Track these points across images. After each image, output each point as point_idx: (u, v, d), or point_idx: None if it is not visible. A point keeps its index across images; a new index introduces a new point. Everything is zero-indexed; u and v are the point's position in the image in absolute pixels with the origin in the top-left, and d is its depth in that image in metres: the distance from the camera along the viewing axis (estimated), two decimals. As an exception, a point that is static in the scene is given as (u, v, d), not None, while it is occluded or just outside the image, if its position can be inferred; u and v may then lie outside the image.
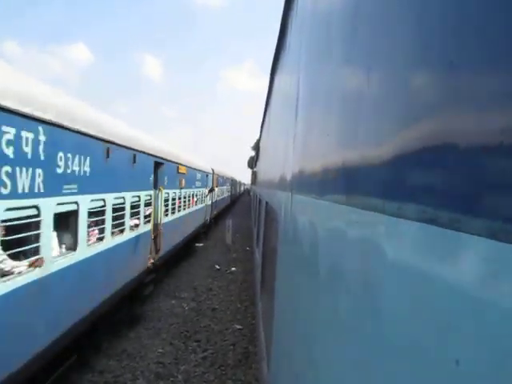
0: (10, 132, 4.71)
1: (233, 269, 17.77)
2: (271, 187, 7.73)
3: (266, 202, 8.88)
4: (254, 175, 27.14)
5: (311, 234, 2.41)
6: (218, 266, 18.07)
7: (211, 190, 25.55)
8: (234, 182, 55.42)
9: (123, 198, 8.99)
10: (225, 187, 38.32)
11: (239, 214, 43.55)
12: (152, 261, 11.81)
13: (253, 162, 37.53)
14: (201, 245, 23.24)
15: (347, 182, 1.65)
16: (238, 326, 10.82)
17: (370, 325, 1.14)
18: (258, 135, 24.08)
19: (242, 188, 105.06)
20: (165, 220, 13.07)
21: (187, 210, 17.75)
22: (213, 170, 27.20)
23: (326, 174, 2.12)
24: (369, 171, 1.35)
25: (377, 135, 1.27)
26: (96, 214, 7.68)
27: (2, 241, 4.84)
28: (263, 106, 16.07)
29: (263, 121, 17.21)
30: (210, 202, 25.85)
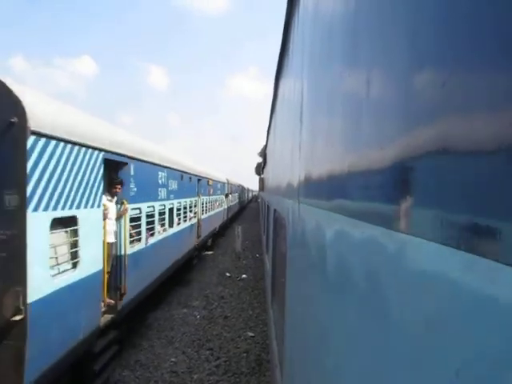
0: (161, 174, 11.43)
1: (243, 276, 17.76)
2: (278, 194, 7.74)
3: (275, 210, 8.87)
4: (262, 182, 27.14)
5: (318, 242, 2.41)
6: (228, 274, 18.08)
7: (227, 196, 33.27)
8: (242, 189, 56.97)
9: (185, 201, 15.54)
10: (236, 194, 45.89)
11: (248, 220, 43.57)
12: (196, 242, 18.53)
13: (260, 169, 37.62)
14: (210, 253, 23.27)
15: (352, 193, 1.67)
16: (251, 334, 10.80)
17: (382, 332, 1.14)
18: (265, 141, 24.13)
19: (250, 195, 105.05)
20: (202, 217, 20.23)
21: (214, 211, 25.23)
22: (227, 180, 34.25)
23: (331, 183, 2.13)
24: (373, 182, 1.35)
25: (382, 142, 1.27)
26: (177, 210, 14.01)
27: (159, 219, 11.28)
28: (269, 112, 16.10)
29: (269, 127, 17.22)
30: (226, 206, 33.46)
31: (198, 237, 18.81)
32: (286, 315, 4.33)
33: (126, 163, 8.46)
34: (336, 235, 1.97)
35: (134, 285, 8.96)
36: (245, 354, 9.57)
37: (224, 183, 31.49)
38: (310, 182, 2.95)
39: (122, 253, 8.43)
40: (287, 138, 5.90)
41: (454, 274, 0.76)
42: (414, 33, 1.02)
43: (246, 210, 69.20)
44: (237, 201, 46.54)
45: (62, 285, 5.83)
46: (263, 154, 30.46)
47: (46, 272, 5.42)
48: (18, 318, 4.85)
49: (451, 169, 0.78)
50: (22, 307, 4.86)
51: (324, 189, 2.32)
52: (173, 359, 9.19)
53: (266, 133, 20.49)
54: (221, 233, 30.04)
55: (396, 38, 1.18)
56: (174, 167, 13.04)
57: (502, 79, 0.63)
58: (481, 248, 0.66)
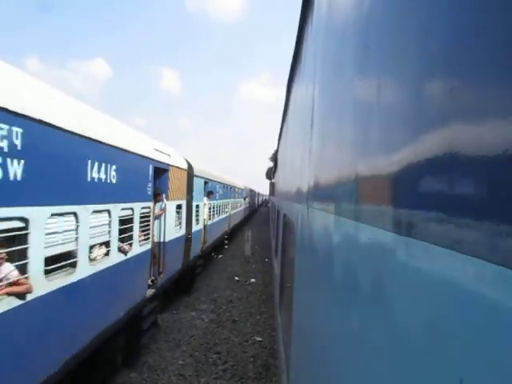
0: (218, 186, 21.75)
1: (252, 280, 17.73)
2: (288, 199, 7.74)
3: (284, 214, 8.88)
4: (272, 186, 27.18)
5: (326, 247, 2.42)
6: (237, 278, 18.07)
7: (245, 198, 42.49)
8: (252, 193, 58.93)
9: (227, 202, 25.74)
10: (249, 198, 52.33)
11: (258, 225, 43.56)
12: (228, 228, 27.45)
13: (271, 174, 37.91)
14: (220, 256, 23.29)
15: (361, 199, 1.67)
16: (258, 338, 10.78)
17: (391, 339, 1.14)
18: (276, 146, 24.18)
19: (261, 199, 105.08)
20: (231, 212, 28.55)
21: (237, 209, 34.39)
22: (245, 186, 43.07)
23: (340, 189, 2.14)
24: (381, 188, 1.36)
25: (390, 148, 1.27)
26: (221, 206, 22.44)
27: (211, 211, 19.25)
28: (280, 117, 16.13)
29: (280, 132, 17.24)
30: (244, 207, 42.67)
31: (229, 225, 27.79)
32: (293, 320, 4.33)
33: (207, 182, 17.79)
34: (344, 239, 1.98)
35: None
36: (252, 359, 9.55)
37: (243, 189, 39.78)
38: (319, 186, 2.96)
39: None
40: (298, 143, 5.91)
41: (461, 279, 0.77)
42: (427, 40, 1.02)
43: (256, 215, 69.17)
44: (248, 205, 52.51)
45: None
46: (274, 158, 30.49)
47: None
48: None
49: (460, 174, 0.79)
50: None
51: (332, 194, 2.33)
52: (180, 362, 9.19)
53: (277, 138, 20.54)
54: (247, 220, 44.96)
55: (408, 44, 1.19)
56: (222, 182, 23.28)
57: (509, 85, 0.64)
58: (490, 253, 0.66)
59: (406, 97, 1.19)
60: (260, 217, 63.60)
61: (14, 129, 4.21)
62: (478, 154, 0.73)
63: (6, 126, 4.09)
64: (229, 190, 26.77)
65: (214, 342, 10.47)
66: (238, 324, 11.95)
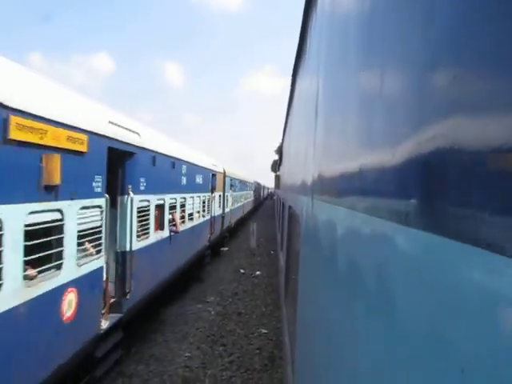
0: (243, 184, 35.29)
1: (257, 273, 17.80)
2: (293, 191, 7.74)
3: (289, 206, 8.88)
4: (278, 179, 27.15)
5: (330, 239, 2.42)
6: (242, 270, 18.13)
7: (255, 190, 50.64)
8: (258, 186, 61.35)
9: (242, 194, 34.33)
10: (256, 190, 58.79)
11: (263, 218, 43.63)
12: (244, 213, 36.36)
13: (276, 166, 38.29)
14: (226, 249, 23.37)
15: (364, 190, 1.67)
16: (264, 330, 10.83)
17: (394, 329, 1.14)
18: (281, 139, 24.15)
19: (266, 192, 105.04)
20: (244, 202, 36.04)
21: (248, 200, 42.97)
22: (253, 180, 51.11)
23: (344, 181, 2.14)
24: (385, 179, 1.36)
25: (394, 140, 1.27)
26: (238, 196, 31.21)
27: (234, 199, 28.02)
28: (285, 110, 16.09)
29: (285, 124, 17.22)
30: (253, 198, 50.19)
31: (243, 212, 35.88)
32: (298, 312, 4.35)
33: (232, 179, 26.20)
34: (348, 231, 1.98)
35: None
36: (258, 351, 9.61)
37: (252, 183, 48.14)
38: (323, 178, 2.96)
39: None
40: (302, 136, 5.91)
41: (466, 270, 0.77)
42: (430, 31, 1.02)
43: (262, 208, 69.25)
44: (257, 195, 62.04)
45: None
46: (279, 151, 30.47)
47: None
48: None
49: (464, 165, 0.79)
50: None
51: (337, 185, 2.33)
52: (187, 354, 9.27)
53: (282, 130, 20.51)
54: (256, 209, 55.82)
55: (411, 36, 1.18)
56: (239, 178, 31.19)
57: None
58: (494, 244, 0.66)
59: (409, 89, 1.19)
60: (265, 210, 63.67)
61: None
62: (478, 145, 0.73)
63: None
64: (243, 185, 35.70)
65: (221, 334, 10.54)
66: (243, 316, 12.02)
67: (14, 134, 4.49)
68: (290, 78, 10.93)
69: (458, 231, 0.79)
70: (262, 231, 27.19)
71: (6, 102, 4.40)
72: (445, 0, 0.96)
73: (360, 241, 1.70)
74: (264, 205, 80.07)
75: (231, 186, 25.52)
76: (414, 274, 1.03)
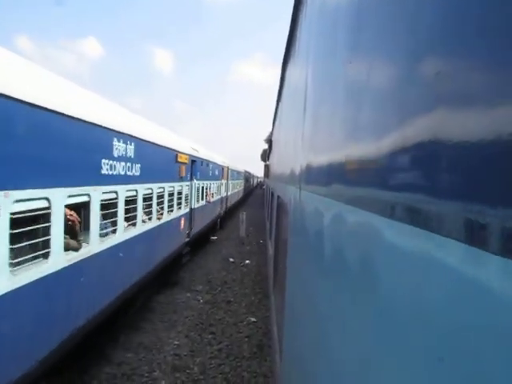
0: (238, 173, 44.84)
1: (247, 262, 17.88)
2: (282, 181, 7.76)
3: (278, 196, 8.91)
4: (267, 168, 27.16)
5: (317, 229, 2.45)
6: (232, 259, 18.20)
7: (245, 180, 55.19)
8: (248, 175, 63.03)
9: (237, 182, 42.41)
10: (246, 179, 63.89)
11: (253, 206, 43.75)
12: (239, 197, 46.63)
13: (265, 156, 37.99)
14: (215, 238, 23.40)
15: (349, 181, 1.70)
16: (253, 319, 10.92)
17: (377, 318, 1.17)
18: (271, 128, 24.10)
19: (256, 181, 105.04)
20: (235, 191, 39.90)
21: (240, 188, 47.13)
22: (244, 170, 57.02)
23: (330, 172, 2.16)
24: (370, 171, 1.38)
25: (379, 132, 1.28)
26: (235, 184, 39.47)
27: (231, 186, 35.01)
28: (275, 99, 16.03)
29: (275, 114, 17.15)
30: (243, 187, 54.29)
31: (238, 196, 42.81)
32: (286, 301, 4.39)
33: (230, 170, 33.26)
34: (334, 222, 2.01)
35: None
36: (246, 339, 9.70)
37: (243, 172, 54.22)
38: (311, 169, 2.98)
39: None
40: (291, 126, 5.91)
41: (445, 261, 0.79)
42: (418, 23, 1.02)
43: (252, 197, 69.24)
44: (247, 184, 67.33)
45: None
46: (269, 140, 30.46)
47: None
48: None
49: (448, 159, 0.81)
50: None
51: (323, 176, 2.35)
52: (176, 342, 9.32)
53: (272, 120, 20.45)
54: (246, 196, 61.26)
55: (399, 28, 1.19)
56: (235, 169, 38.56)
57: (497, 73, 0.66)
58: (472, 237, 0.69)
59: (395, 82, 1.20)
60: (255, 198, 63.73)
61: None
62: (459, 139, 0.75)
63: None
64: (238, 174, 43.06)
65: (209, 322, 10.61)
66: (232, 305, 12.09)
67: (180, 159, 13.16)
68: (280, 68, 10.88)
69: (439, 225, 0.81)
70: (251, 220, 27.27)
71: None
72: None
73: (344, 231, 1.73)
74: (254, 193, 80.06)
75: (231, 176, 33.67)
76: (396, 265, 1.05)
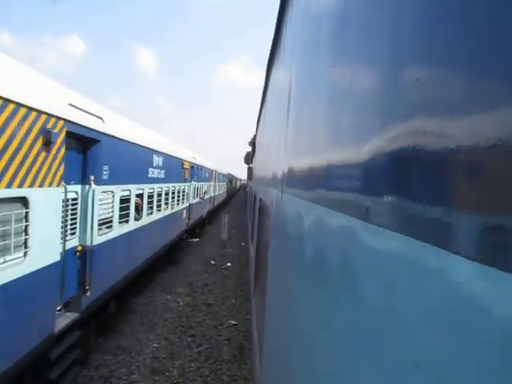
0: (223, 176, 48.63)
1: (228, 264, 17.82)
2: (264, 184, 7.77)
3: (260, 199, 8.91)
4: (250, 171, 27.21)
5: (297, 232, 2.45)
6: (213, 262, 18.13)
7: (228, 182, 57.03)
8: (231, 177, 64.16)
9: (222, 184, 45.63)
10: (229, 181, 66.52)
11: (235, 209, 43.73)
12: (225, 196, 51.33)
13: (249, 158, 38.52)
14: (196, 240, 23.29)
15: (329, 185, 1.70)
16: (233, 322, 10.88)
17: (356, 323, 1.17)
18: (255, 131, 24.15)
19: (239, 184, 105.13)
20: (220, 192, 42.55)
21: (224, 189, 48.36)
22: (228, 172, 59.21)
23: (310, 176, 2.17)
24: (350, 176, 1.39)
25: (360, 138, 1.29)
26: (220, 185, 42.51)
27: (214, 188, 35.82)
28: (259, 102, 16.06)
29: (259, 117, 17.20)
30: (227, 187, 55.68)
31: (224, 195, 45.79)
32: (267, 305, 4.38)
33: (217, 174, 36.92)
34: (314, 225, 2.01)
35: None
36: (227, 342, 9.65)
37: (227, 174, 56.28)
38: (293, 173, 2.99)
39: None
40: (274, 129, 5.92)
41: (419, 264, 0.80)
42: (401, 28, 1.03)
43: (234, 198, 69.19)
44: (230, 186, 68.95)
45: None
46: (252, 143, 30.49)
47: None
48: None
49: (426, 164, 0.81)
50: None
51: (304, 180, 2.36)
52: (155, 345, 9.23)
53: (256, 122, 20.49)
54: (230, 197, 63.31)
55: (381, 37, 1.20)
56: (221, 172, 41.05)
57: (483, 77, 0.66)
58: (447, 242, 0.69)
59: (378, 86, 1.21)
60: (238, 200, 63.71)
61: None
62: (439, 143, 0.76)
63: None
64: (223, 176, 46.17)
65: (189, 325, 10.53)
66: (213, 307, 12.03)
67: (185, 166, 17.84)
68: (265, 71, 10.91)
69: (413, 228, 0.81)
70: (234, 222, 27.27)
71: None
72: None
73: (324, 234, 1.74)
74: (237, 195, 80.00)
75: (218, 178, 36.61)
76: (374, 268, 1.06)
